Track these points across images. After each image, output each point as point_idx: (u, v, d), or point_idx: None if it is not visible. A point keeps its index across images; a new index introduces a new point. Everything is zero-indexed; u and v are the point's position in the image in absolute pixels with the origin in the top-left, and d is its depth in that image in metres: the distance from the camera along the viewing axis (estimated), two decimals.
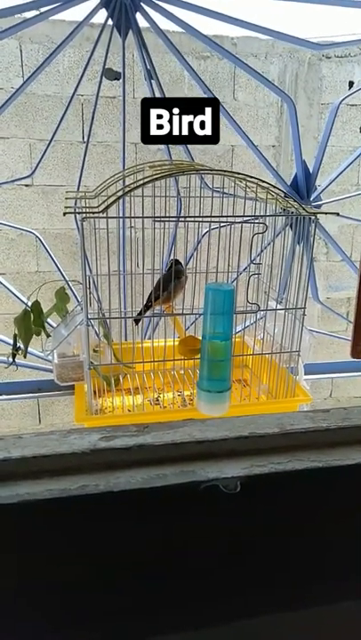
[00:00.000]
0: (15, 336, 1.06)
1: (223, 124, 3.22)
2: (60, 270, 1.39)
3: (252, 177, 0.85)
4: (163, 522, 0.59)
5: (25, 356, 1.08)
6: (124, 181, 1.06)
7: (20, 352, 1.07)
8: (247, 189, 0.89)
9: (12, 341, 1.20)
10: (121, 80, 1.44)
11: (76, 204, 1.07)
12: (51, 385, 1.20)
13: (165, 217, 1.01)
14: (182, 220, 0.90)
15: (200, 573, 0.62)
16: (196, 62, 2.95)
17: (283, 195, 0.87)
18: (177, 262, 1.14)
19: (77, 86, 1.60)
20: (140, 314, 1.17)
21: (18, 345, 1.06)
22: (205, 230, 1.20)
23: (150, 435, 0.64)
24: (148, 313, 1.16)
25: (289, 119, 1.27)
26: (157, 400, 1.18)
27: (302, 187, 1.24)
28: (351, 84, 3.38)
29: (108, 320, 1.07)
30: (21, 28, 1.57)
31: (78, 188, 1.35)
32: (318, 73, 3.27)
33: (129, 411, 1.11)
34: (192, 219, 0.88)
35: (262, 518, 0.61)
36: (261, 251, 1.05)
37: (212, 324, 0.90)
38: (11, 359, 1.09)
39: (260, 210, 1.08)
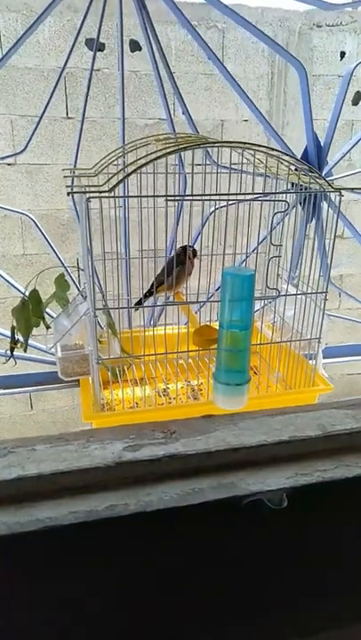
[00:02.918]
0: (13, 328, 0.98)
1: (213, 97, 3.10)
2: (57, 256, 1.31)
3: (273, 149, 0.77)
4: (202, 544, 0.53)
5: (25, 350, 1.00)
6: (125, 157, 0.97)
7: (19, 345, 0.99)
8: (267, 165, 0.81)
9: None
10: (118, 51, 1.33)
11: (73, 182, 0.98)
12: (51, 377, 1.13)
13: (180, 195, 0.92)
14: (198, 198, 0.82)
15: (245, 597, 0.56)
16: (182, 32, 2.81)
17: (307, 169, 0.80)
18: (185, 249, 1.07)
19: (67, 59, 1.48)
20: (143, 298, 1.09)
21: (17, 338, 0.98)
22: (212, 209, 1.12)
23: (180, 442, 0.57)
24: (155, 301, 1.09)
25: (300, 87, 1.18)
26: (165, 391, 1.11)
27: (313, 161, 1.16)
28: (343, 54, 3.28)
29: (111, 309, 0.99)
30: None
31: (75, 166, 1.26)
32: (309, 43, 3.15)
33: (136, 404, 1.04)
34: (208, 197, 0.80)
35: (312, 535, 0.55)
36: (272, 229, 0.97)
37: (230, 312, 0.83)
38: (9, 353, 1.01)
39: (270, 186, 1.01)
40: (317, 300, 0.97)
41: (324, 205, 1.13)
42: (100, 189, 0.73)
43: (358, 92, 3.22)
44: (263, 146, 0.76)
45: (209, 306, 1.08)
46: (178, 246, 1.09)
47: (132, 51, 2.68)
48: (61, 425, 3.01)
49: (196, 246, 1.17)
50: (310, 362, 1.06)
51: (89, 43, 2.57)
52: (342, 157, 1.29)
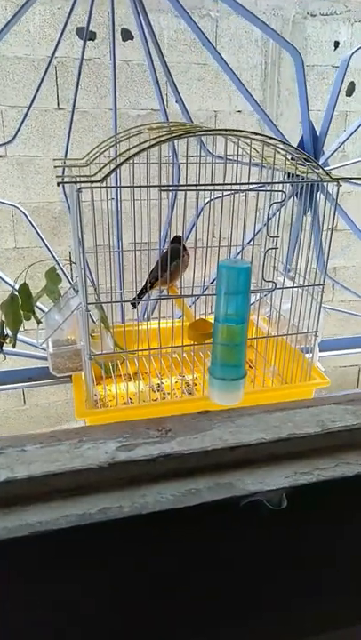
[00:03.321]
0: (2, 323, 0.95)
1: (206, 88, 3.06)
2: (48, 248, 1.28)
3: (271, 137, 0.75)
4: (198, 546, 0.51)
5: (14, 346, 0.98)
6: (117, 147, 0.95)
7: (8, 341, 0.96)
8: (263, 155, 0.79)
9: None
10: (109, 40, 1.29)
11: (63, 172, 0.95)
12: (43, 373, 1.10)
13: (174, 185, 0.89)
14: (193, 188, 0.80)
15: (240, 600, 0.54)
16: (175, 21, 2.77)
17: (304, 158, 0.78)
18: (178, 239, 1.04)
19: (56, 49, 1.45)
20: (139, 295, 1.07)
21: (5, 333, 0.96)
22: (207, 200, 1.09)
23: (175, 441, 0.55)
24: (149, 294, 1.06)
25: (295, 74, 1.16)
26: (159, 386, 1.09)
27: (309, 151, 1.14)
28: (337, 44, 3.24)
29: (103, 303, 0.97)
30: None
31: (66, 156, 1.23)
32: (303, 32, 3.11)
33: (130, 399, 1.02)
34: (203, 187, 0.77)
35: (312, 536, 0.53)
36: (268, 220, 0.95)
37: (226, 306, 0.81)
38: None
39: (266, 177, 0.99)
40: (314, 292, 0.95)
41: (320, 196, 1.11)
42: (92, 179, 0.71)
43: (352, 82, 3.18)
44: (260, 134, 0.73)
45: (203, 299, 1.06)
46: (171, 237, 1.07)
47: (124, 40, 2.63)
48: (55, 420, 2.98)
49: (191, 238, 1.15)
50: (307, 355, 1.04)
51: (80, 31, 2.52)
52: (339, 147, 1.27)
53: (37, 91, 1.39)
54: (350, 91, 3.09)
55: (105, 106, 2.65)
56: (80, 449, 0.53)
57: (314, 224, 1.14)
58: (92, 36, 2.60)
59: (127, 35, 2.63)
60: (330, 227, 0.86)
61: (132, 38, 2.55)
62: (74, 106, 1.30)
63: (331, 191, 0.95)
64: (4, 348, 0.99)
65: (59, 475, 0.49)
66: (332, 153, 1.25)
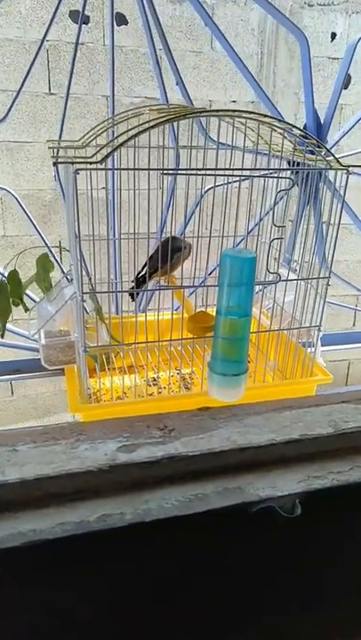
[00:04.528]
0: None
1: (201, 77, 3.00)
2: (40, 235, 1.23)
3: (281, 121, 0.71)
4: (203, 555, 0.47)
5: (2, 336, 0.93)
6: (115, 128, 0.90)
7: None
8: (271, 142, 0.75)
9: None
10: (104, 24, 1.23)
11: (57, 153, 0.90)
12: (34, 365, 1.06)
13: (176, 169, 0.85)
14: (194, 173, 0.75)
15: (246, 612, 0.51)
16: (170, 7, 2.71)
17: (315, 144, 0.74)
18: (174, 239, 1.00)
19: (47, 31, 1.39)
20: (137, 285, 1.02)
21: None
22: (207, 188, 1.05)
23: (180, 441, 0.51)
24: (149, 284, 1.02)
25: (300, 59, 1.12)
26: (155, 380, 1.05)
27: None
28: (334, 35, 3.20)
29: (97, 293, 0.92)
30: None
31: (60, 137, 1.17)
32: (300, 23, 3.07)
33: (125, 394, 0.98)
34: (203, 172, 0.73)
35: (328, 546, 0.50)
36: (274, 206, 0.91)
37: (228, 298, 0.77)
38: None
39: (268, 164, 0.94)
40: (318, 285, 0.92)
41: (324, 186, 1.07)
42: (90, 161, 0.66)
43: (348, 74, 3.14)
44: (269, 116, 0.69)
45: (201, 289, 1.02)
46: (168, 231, 1.02)
47: (118, 25, 2.56)
48: (43, 411, 2.93)
49: (189, 227, 1.10)
50: (309, 350, 1.00)
51: (73, 15, 2.45)
52: (343, 136, 1.23)
53: (27, 74, 1.33)
54: (346, 83, 3.04)
55: (97, 92, 2.58)
56: (77, 449, 0.49)
57: (317, 215, 1.10)
58: (86, 20, 2.53)
59: (121, 19, 2.56)
60: (335, 217, 0.82)
61: (126, 23, 2.49)
62: (68, 89, 1.25)
63: (339, 181, 0.91)
64: None
65: (54, 478, 0.45)
66: (336, 142, 1.21)
